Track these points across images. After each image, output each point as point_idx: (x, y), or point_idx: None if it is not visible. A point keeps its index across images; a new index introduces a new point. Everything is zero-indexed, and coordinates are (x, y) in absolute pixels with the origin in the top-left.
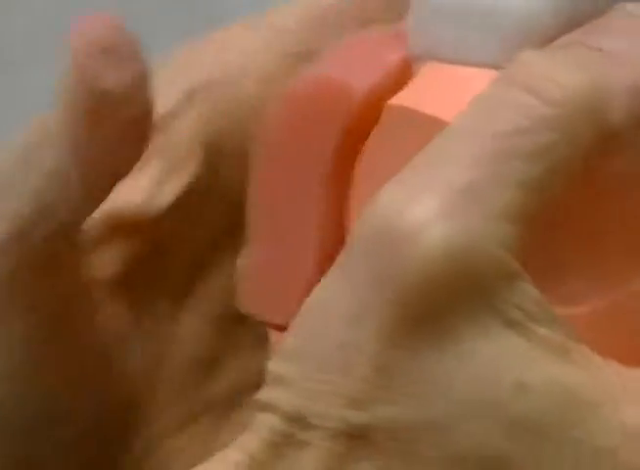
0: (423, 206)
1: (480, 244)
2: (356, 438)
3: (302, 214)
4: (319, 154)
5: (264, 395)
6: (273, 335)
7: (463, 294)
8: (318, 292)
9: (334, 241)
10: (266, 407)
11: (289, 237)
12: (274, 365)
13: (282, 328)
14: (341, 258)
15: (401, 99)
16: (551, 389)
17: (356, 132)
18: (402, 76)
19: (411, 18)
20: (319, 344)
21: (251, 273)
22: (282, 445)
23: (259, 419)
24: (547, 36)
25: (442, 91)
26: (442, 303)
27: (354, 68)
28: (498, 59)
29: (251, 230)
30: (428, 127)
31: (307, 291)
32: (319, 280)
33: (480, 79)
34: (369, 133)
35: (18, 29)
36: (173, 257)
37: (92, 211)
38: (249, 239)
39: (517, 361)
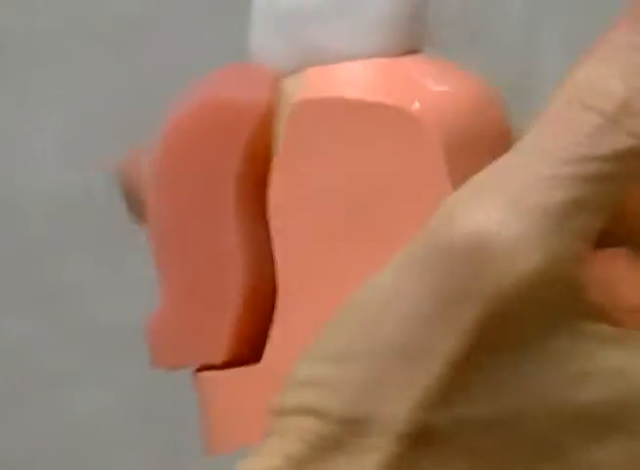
0: (512, 226)
1: (564, 264)
2: (420, 438)
3: (214, 249)
4: (225, 170)
5: (300, 397)
6: (200, 377)
7: (545, 305)
8: (368, 292)
9: (257, 268)
10: (305, 411)
11: (203, 275)
12: (309, 366)
13: (210, 367)
14: (402, 262)
15: (310, 93)
16: (611, 375)
17: (259, 143)
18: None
19: (266, 41)
20: (375, 343)
21: (166, 320)
22: (331, 449)
23: (298, 423)
24: (410, 17)
25: (339, 81)
26: (525, 312)
27: (240, 88)
28: (368, 47)
29: (158, 275)
30: (340, 109)
31: (237, 323)
32: (248, 310)
33: (364, 67)
34: (268, 143)
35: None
36: None
37: None
38: (159, 281)
39: (580, 355)
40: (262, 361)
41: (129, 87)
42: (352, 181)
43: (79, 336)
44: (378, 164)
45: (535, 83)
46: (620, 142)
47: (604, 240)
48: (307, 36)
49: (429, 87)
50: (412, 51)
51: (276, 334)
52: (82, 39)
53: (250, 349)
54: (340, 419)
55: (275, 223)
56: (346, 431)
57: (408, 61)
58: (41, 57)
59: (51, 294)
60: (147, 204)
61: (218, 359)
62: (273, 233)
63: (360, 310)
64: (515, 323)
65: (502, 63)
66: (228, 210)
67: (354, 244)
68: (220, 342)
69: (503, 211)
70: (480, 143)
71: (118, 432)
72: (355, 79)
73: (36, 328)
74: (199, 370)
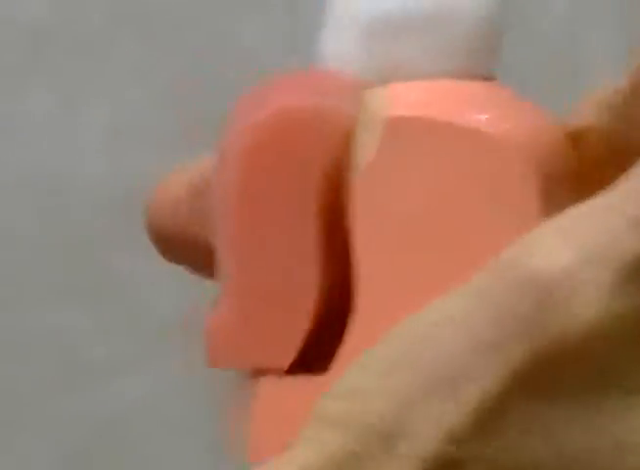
0: (586, 273)
1: (628, 319)
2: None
3: (293, 255)
4: (308, 177)
5: (332, 407)
6: (259, 381)
7: (599, 360)
8: (430, 312)
9: (332, 278)
10: (332, 422)
11: (277, 280)
12: (352, 377)
13: (268, 371)
14: (470, 289)
15: (400, 111)
16: None
17: (340, 153)
18: (360, 101)
19: (343, 48)
20: (423, 361)
21: (232, 322)
22: (347, 464)
23: (321, 434)
24: (495, 37)
25: (430, 100)
26: (578, 363)
27: (324, 96)
28: (449, 67)
29: (226, 281)
30: (432, 130)
31: (307, 330)
32: (319, 318)
33: (453, 88)
34: (347, 154)
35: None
36: None
37: None
38: (225, 286)
39: (625, 423)
40: (330, 372)
41: (176, 79)
42: (437, 200)
43: (130, 324)
44: (464, 186)
45: (579, 83)
46: None
47: None
48: (390, 49)
49: (518, 115)
50: (487, 77)
51: (348, 346)
52: (129, 32)
53: (313, 358)
54: (364, 435)
55: (358, 237)
56: (368, 449)
57: (489, 86)
58: (88, 50)
59: (101, 283)
60: (215, 208)
61: (283, 364)
62: (355, 245)
63: (417, 328)
64: (564, 372)
65: (546, 62)
66: (308, 216)
67: (434, 263)
68: (288, 347)
69: (580, 256)
70: (559, 172)
71: (171, 418)
72: (447, 100)
73: (87, 317)
74: (255, 373)
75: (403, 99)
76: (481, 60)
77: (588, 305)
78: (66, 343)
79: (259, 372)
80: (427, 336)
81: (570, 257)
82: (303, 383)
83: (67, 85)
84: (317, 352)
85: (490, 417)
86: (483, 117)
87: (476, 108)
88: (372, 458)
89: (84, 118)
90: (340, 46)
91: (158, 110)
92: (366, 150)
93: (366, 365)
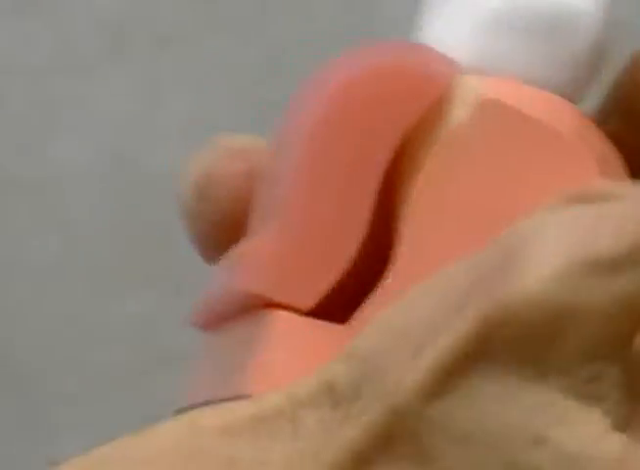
0: (557, 256)
1: (580, 317)
2: (391, 427)
3: (349, 204)
4: (383, 143)
5: (336, 363)
6: (276, 315)
7: (542, 345)
8: (436, 277)
9: (377, 235)
10: (318, 371)
11: (330, 225)
12: (358, 338)
13: (297, 311)
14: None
15: (501, 97)
16: (567, 451)
17: (426, 120)
18: (456, 79)
19: (449, 28)
20: (410, 320)
21: (278, 256)
22: (303, 410)
23: (306, 381)
24: (597, 65)
25: (525, 99)
26: (516, 342)
27: (426, 62)
28: (552, 80)
29: (281, 212)
30: (528, 127)
31: (339, 278)
32: (354, 271)
33: (545, 96)
34: (432, 122)
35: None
36: None
37: None
38: (273, 218)
39: (547, 417)
40: (347, 324)
41: (251, 67)
42: (505, 182)
43: None
44: (536, 179)
45: None
46: None
47: None
48: (496, 44)
49: (597, 136)
50: (571, 97)
51: (372, 305)
52: (205, 20)
53: (333, 308)
54: (331, 385)
55: (415, 197)
56: (329, 396)
57: (566, 103)
58: (165, 38)
59: (176, 271)
60: (280, 150)
61: (306, 305)
62: (409, 206)
63: (418, 292)
64: (507, 341)
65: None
66: (375, 167)
67: (484, 239)
68: (319, 287)
69: (560, 243)
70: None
71: None
72: (538, 101)
73: (161, 305)
74: (270, 307)
75: (498, 88)
76: (585, 83)
77: (540, 277)
78: (140, 330)
79: (277, 307)
80: (414, 301)
81: (551, 236)
82: (317, 328)
83: (143, 75)
84: (338, 303)
85: (441, 377)
86: (568, 123)
87: (559, 114)
88: (327, 406)
89: (160, 108)
90: (447, 32)
91: (234, 98)
92: (451, 121)
93: (373, 326)
